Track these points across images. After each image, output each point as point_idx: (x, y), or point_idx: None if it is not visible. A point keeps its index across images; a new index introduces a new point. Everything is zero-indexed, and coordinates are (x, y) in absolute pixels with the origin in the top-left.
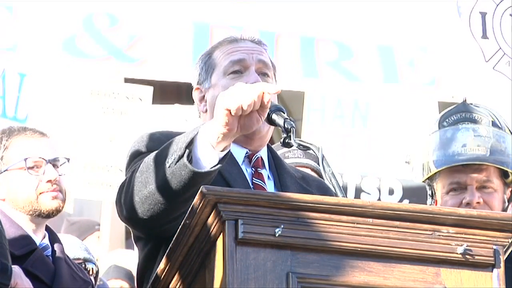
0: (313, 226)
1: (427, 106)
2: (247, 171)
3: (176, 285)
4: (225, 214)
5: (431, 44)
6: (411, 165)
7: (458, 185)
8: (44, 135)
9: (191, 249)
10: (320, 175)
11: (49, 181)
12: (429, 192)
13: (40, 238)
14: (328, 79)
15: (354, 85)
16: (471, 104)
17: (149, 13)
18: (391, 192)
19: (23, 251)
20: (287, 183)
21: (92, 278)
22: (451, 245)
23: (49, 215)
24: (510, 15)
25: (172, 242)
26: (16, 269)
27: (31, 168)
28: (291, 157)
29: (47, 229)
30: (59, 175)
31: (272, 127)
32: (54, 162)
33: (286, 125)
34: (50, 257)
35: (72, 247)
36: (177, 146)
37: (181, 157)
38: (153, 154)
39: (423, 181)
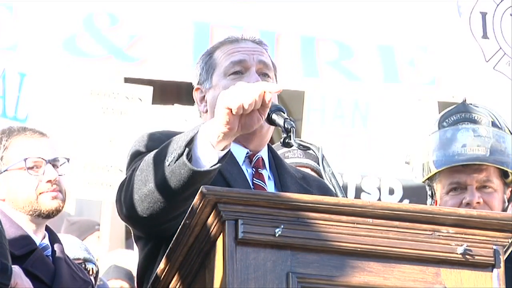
0: (313, 226)
1: (427, 106)
2: (247, 171)
3: (176, 285)
4: (225, 214)
5: (432, 43)
6: (411, 166)
7: (458, 185)
8: (44, 135)
9: (191, 249)
10: (320, 175)
11: (49, 181)
12: (429, 192)
13: (40, 238)
14: (328, 79)
15: (354, 84)
16: (471, 104)
17: (149, 13)
18: (391, 192)
19: (23, 251)
20: (287, 183)
21: (92, 278)
22: (451, 245)
23: (49, 215)
24: (510, 15)
25: (172, 242)
26: (16, 269)
27: (31, 168)
28: (291, 157)
29: (47, 229)
30: (59, 175)
31: (272, 127)
32: (54, 162)
33: (286, 125)
34: (50, 257)
35: (72, 247)
36: (177, 145)
37: (180, 155)
38: (153, 153)
39: (423, 182)
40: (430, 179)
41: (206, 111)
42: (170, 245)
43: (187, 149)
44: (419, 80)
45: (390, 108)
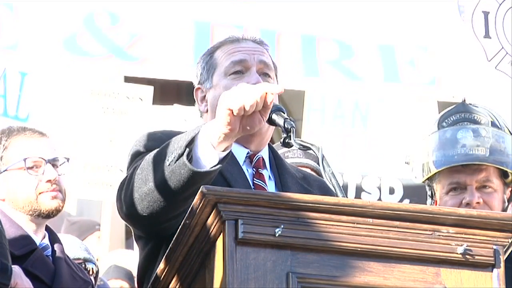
0: (313, 226)
1: (427, 106)
2: (248, 171)
3: (176, 285)
4: (225, 214)
5: (432, 43)
6: (411, 166)
7: (458, 185)
8: (43, 135)
9: (191, 249)
10: (319, 175)
11: (49, 181)
12: (428, 192)
13: (40, 238)
14: (328, 78)
15: (354, 84)
16: (471, 104)
17: (150, 12)
18: (391, 191)
19: (23, 251)
20: (288, 183)
21: (92, 278)
22: (451, 245)
23: (49, 215)
24: None
25: (172, 242)
26: (16, 269)
27: (31, 168)
28: (291, 157)
29: (47, 229)
30: (59, 175)
31: (272, 127)
32: (53, 162)
33: (286, 125)
34: (50, 257)
35: (72, 247)
36: (178, 145)
37: (181, 155)
38: (154, 152)
39: (423, 182)
40: (430, 179)
41: (207, 110)
42: (170, 245)
43: (187, 149)
44: (419, 80)
45: (390, 108)
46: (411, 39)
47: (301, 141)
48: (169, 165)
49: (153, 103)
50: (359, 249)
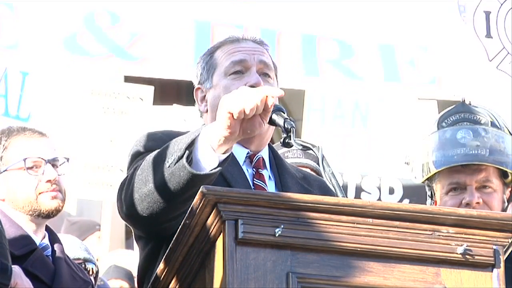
0: (313, 226)
1: (427, 106)
2: (248, 171)
3: (176, 285)
4: (225, 214)
5: (432, 43)
6: (411, 166)
7: (457, 185)
8: (43, 135)
9: (191, 249)
10: (319, 175)
11: (49, 181)
12: (428, 192)
13: (40, 238)
14: (329, 78)
15: (355, 83)
16: (470, 104)
17: (150, 12)
18: (391, 191)
19: (23, 251)
20: (288, 183)
21: (92, 278)
22: (451, 245)
23: (49, 215)
24: None
25: (172, 242)
26: (16, 269)
27: (31, 168)
28: (290, 157)
29: (47, 229)
30: (59, 175)
31: (272, 127)
32: (53, 162)
33: (286, 125)
34: (50, 257)
35: (72, 247)
36: (178, 147)
37: (180, 158)
38: (154, 153)
39: (423, 182)
40: (430, 179)
41: (207, 110)
42: (170, 245)
43: (187, 151)
44: (419, 79)
45: (390, 108)
46: (411, 39)
47: (301, 141)
48: (168, 167)
49: (153, 103)
50: (359, 249)
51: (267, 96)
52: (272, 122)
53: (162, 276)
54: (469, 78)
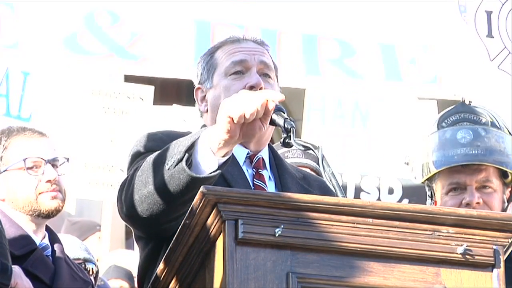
0: (313, 226)
1: (427, 106)
2: (248, 172)
3: (176, 285)
4: (225, 214)
5: (433, 42)
6: (410, 166)
7: (457, 185)
8: (43, 135)
9: (191, 249)
10: (319, 175)
11: (49, 181)
12: (428, 193)
13: (40, 238)
14: (330, 77)
15: (356, 82)
16: (470, 104)
17: (150, 11)
18: (390, 191)
19: (23, 251)
20: (288, 183)
21: (92, 278)
22: (451, 245)
23: (49, 215)
24: None
25: (172, 242)
26: (16, 269)
27: (30, 168)
28: (290, 157)
29: (47, 229)
30: (59, 175)
31: (272, 127)
32: (53, 162)
33: (286, 125)
34: (50, 257)
35: (72, 247)
36: (178, 149)
37: (180, 160)
38: (155, 154)
39: (422, 182)
40: (430, 179)
41: (207, 110)
42: (170, 245)
43: (187, 154)
44: (420, 78)
45: (390, 108)
46: (412, 39)
47: (301, 141)
48: (168, 169)
49: (153, 103)
50: (359, 249)
51: (267, 100)
52: (272, 122)
53: (162, 276)
54: (470, 77)
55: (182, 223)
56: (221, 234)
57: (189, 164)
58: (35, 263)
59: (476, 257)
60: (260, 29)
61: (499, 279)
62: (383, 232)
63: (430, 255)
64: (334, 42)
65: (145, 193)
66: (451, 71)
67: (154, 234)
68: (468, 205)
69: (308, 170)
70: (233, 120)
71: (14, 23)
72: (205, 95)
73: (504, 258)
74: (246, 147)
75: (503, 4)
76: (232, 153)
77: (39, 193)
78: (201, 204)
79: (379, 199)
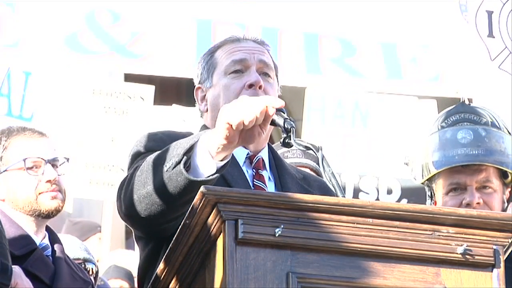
0: (313, 226)
1: (427, 106)
2: (248, 172)
3: (176, 285)
4: (225, 214)
5: (434, 42)
6: (410, 167)
7: (457, 185)
8: (43, 135)
9: (191, 249)
10: (319, 175)
11: (49, 181)
12: (428, 193)
13: (40, 238)
14: (331, 75)
15: (357, 81)
16: (470, 104)
17: (151, 10)
18: (389, 192)
19: (23, 251)
20: (288, 184)
21: (91, 278)
22: (451, 245)
23: (49, 215)
24: None
25: (172, 242)
26: (16, 269)
27: (30, 168)
28: (290, 157)
29: (47, 229)
30: (59, 175)
31: (271, 127)
32: (53, 162)
33: (286, 125)
34: (50, 257)
35: (72, 247)
36: (176, 152)
37: (178, 163)
38: (154, 155)
39: (422, 183)
40: (430, 179)
41: (207, 110)
42: (170, 245)
43: (185, 157)
44: (422, 77)
45: (390, 108)
46: (413, 38)
47: (301, 141)
48: (166, 171)
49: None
50: (359, 249)
51: (267, 107)
52: (272, 122)
53: (162, 276)
54: (470, 77)
55: (182, 223)
56: (221, 234)
57: (188, 166)
58: (35, 263)
59: (476, 257)
60: (261, 28)
61: (499, 279)
62: (383, 232)
63: (430, 255)
64: (335, 41)
65: (143, 193)
66: (452, 70)
67: (153, 234)
68: (468, 205)
69: (308, 170)
70: (232, 126)
71: (15, 23)
72: (205, 95)
73: (504, 258)
74: (246, 148)
75: (504, 4)
76: (232, 154)
77: (39, 193)
78: (201, 204)
79: (377, 199)
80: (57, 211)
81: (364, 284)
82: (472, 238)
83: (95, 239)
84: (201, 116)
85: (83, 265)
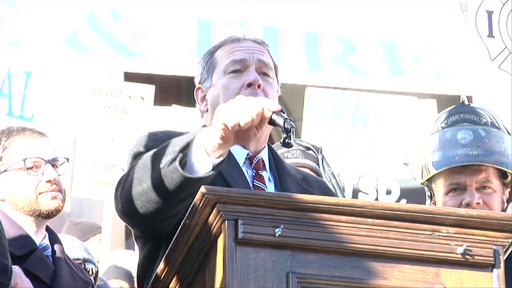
0: (313, 226)
1: (427, 106)
2: (247, 173)
3: (176, 285)
4: (225, 214)
5: (435, 41)
6: (410, 167)
7: (457, 186)
8: (43, 135)
9: (191, 249)
10: (319, 175)
11: (49, 181)
12: (428, 193)
13: (40, 238)
14: (332, 73)
15: (358, 78)
16: (470, 104)
17: (152, 9)
18: (388, 192)
19: (23, 251)
20: (288, 184)
21: (91, 278)
22: (451, 245)
23: (49, 215)
24: None
25: (172, 242)
26: (16, 269)
27: (30, 168)
28: (290, 157)
29: (47, 229)
30: (59, 175)
31: (270, 127)
32: (53, 162)
33: (286, 125)
34: (50, 257)
35: (72, 248)
36: (172, 149)
37: (173, 160)
38: (150, 152)
39: (422, 183)
40: (429, 180)
41: (207, 110)
42: (170, 245)
43: (181, 154)
44: (423, 74)
45: (390, 108)
46: (414, 36)
47: (301, 141)
48: (162, 168)
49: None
50: (359, 249)
51: (263, 109)
52: (272, 122)
53: (162, 276)
54: (471, 77)
55: (182, 223)
56: (221, 234)
57: (184, 164)
58: (35, 263)
59: (476, 257)
60: (261, 27)
61: (499, 279)
62: (383, 232)
63: (430, 255)
64: (336, 39)
65: (139, 190)
66: (452, 69)
67: (150, 233)
68: (468, 205)
69: (307, 171)
70: (227, 127)
71: (16, 22)
72: (205, 95)
73: (504, 258)
74: (245, 148)
75: (504, 4)
76: (232, 154)
77: (39, 193)
78: (201, 204)
79: (377, 199)
80: (57, 211)
81: (364, 284)
82: (472, 238)
83: (96, 240)
84: (201, 116)
85: (83, 265)
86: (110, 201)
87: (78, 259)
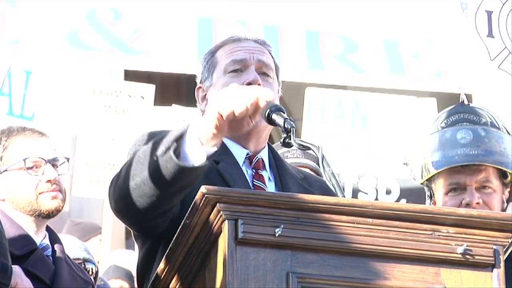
0: (313, 226)
1: (427, 105)
2: (247, 172)
3: (176, 285)
4: (225, 214)
5: (436, 38)
6: (409, 167)
7: (457, 185)
8: (43, 135)
9: (191, 249)
10: (319, 175)
11: (49, 181)
12: (427, 193)
13: (40, 238)
14: (333, 71)
15: (359, 76)
16: (470, 104)
17: (152, 7)
18: (388, 192)
19: (23, 251)
20: (288, 184)
21: (91, 278)
22: (451, 245)
23: (49, 215)
24: None
25: (172, 242)
26: (16, 269)
27: (30, 168)
28: (290, 157)
29: (48, 229)
30: (59, 175)
31: (270, 126)
32: (53, 162)
33: (286, 125)
34: (51, 257)
35: (72, 247)
36: (166, 140)
37: (168, 149)
38: (143, 148)
39: (421, 183)
40: (429, 180)
41: None
42: (170, 245)
43: (175, 144)
44: (424, 72)
45: (390, 108)
46: (414, 34)
47: (301, 141)
48: (156, 159)
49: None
50: (359, 249)
51: (258, 98)
52: (272, 122)
53: (162, 276)
54: (470, 77)
55: (182, 223)
56: (221, 234)
57: (178, 154)
58: (35, 263)
59: (476, 257)
60: (262, 26)
61: (499, 279)
62: (383, 232)
63: (430, 255)
64: (337, 38)
65: (132, 185)
66: (453, 68)
67: (145, 230)
68: (468, 205)
69: (307, 170)
70: (222, 116)
71: (16, 20)
72: (205, 94)
73: (504, 258)
74: (245, 148)
75: (503, 4)
76: (232, 154)
77: (39, 193)
78: (201, 204)
79: (376, 199)
80: (57, 211)
81: (364, 284)
82: (472, 238)
83: (96, 241)
84: (202, 116)
85: (83, 265)
86: None
87: (78, 259)
